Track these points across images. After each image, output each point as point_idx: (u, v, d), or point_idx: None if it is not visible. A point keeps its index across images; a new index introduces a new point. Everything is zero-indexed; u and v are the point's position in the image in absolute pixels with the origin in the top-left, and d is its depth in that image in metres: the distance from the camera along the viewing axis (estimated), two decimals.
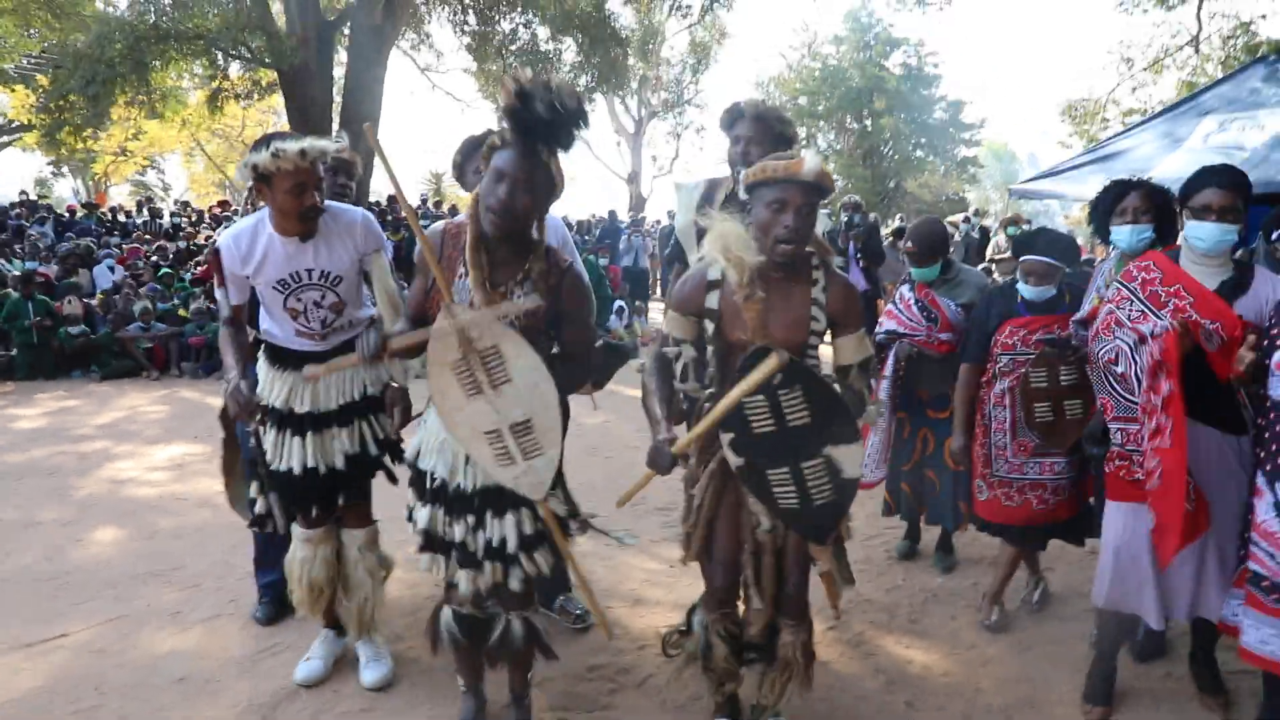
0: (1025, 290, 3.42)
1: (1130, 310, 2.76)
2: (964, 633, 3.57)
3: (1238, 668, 2.93)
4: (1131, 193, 3.15)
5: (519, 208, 2.27)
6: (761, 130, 2.99)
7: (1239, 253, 3.28)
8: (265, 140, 2.62)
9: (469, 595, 2.51)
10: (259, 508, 3.01)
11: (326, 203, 2.80)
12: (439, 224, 2.52)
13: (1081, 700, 3.01)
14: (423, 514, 2.50)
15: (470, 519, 2.44)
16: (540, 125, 2.22)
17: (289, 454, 2.89)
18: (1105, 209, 3.20)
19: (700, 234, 3.03)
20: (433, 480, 2.49)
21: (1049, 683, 3.18)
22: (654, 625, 3.58)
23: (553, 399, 2.25)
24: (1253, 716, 2.87)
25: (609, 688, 3.11)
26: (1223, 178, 2.67)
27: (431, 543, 2.52)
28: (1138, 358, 2.65)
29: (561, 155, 2.36)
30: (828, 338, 2.54)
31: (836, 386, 2.44)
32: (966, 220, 15.12)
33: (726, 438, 2.33)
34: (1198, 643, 3.06)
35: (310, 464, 2.88)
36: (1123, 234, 3.13)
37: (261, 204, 2.78)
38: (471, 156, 3.19)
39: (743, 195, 2.45)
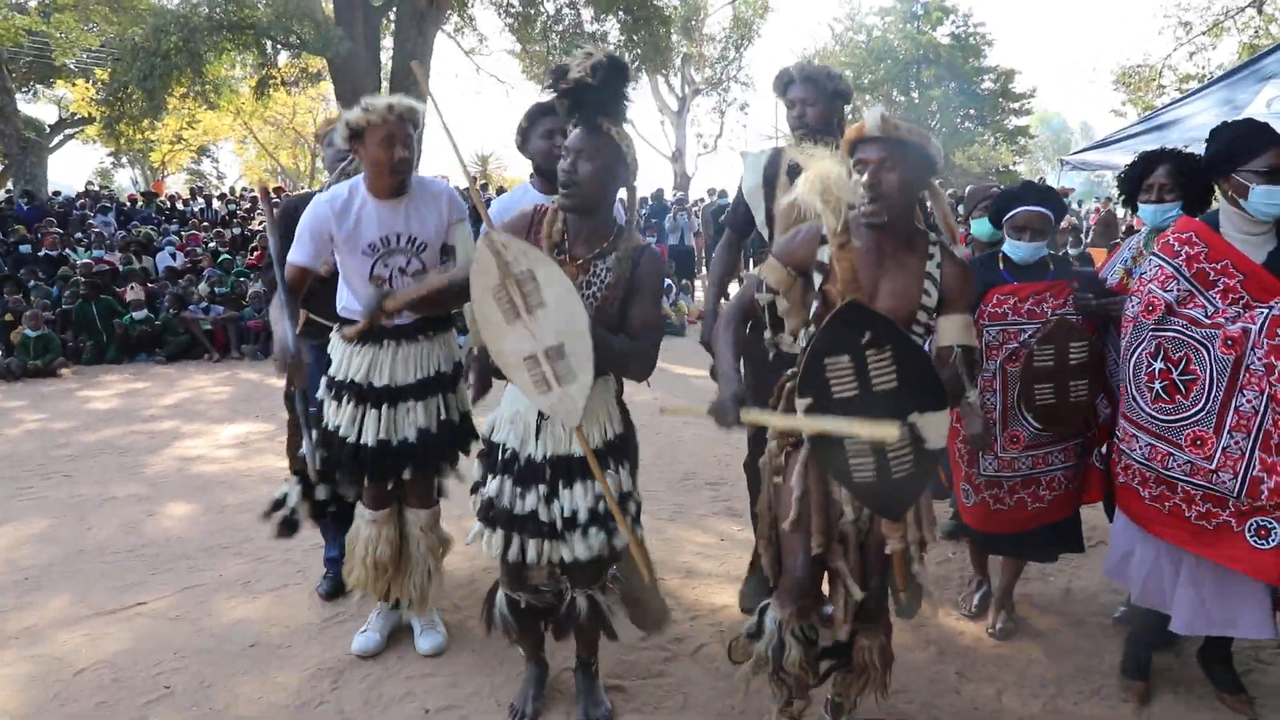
0: (1015, 250, 3.05)
1: (1177, 291, 2.57)
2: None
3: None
4: (1159, 168, 3.00)
5: (581, 177, 2.36)
6: (813, 91, 3.01)
7: None
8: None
9: (539, 567, 2.53)
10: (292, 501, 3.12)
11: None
12: (523, 201, 2.63)
13: (1120, 674, 3.00)
14: (492, 485, 2.54)
15: (542, 489, 2.48)
16: (580, 94, 2.32)
17: (364, 427, 2.97)
18: (1133, 183, 3.09)
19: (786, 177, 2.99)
20: (504, 452, 2.54)
21: (1102, 655, 3.18)
22: (706, 597, 3.64)
23: (584, 326, 2.28)
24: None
25: (663, 656, 3.19)
26: (1275, 135, 2.52)
27: (491, 515, 2.53)
28: (1214, 354, 2.46)
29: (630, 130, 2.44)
30: None
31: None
32: None
33: (802, 404, 2.12)
34: (1209, 641, 2.91)
35: (383, 436, 2.97)
36: (1148, 212, 3.03)
37: (349, 173, 3.03)
38: (536, 123, 3.20)
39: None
